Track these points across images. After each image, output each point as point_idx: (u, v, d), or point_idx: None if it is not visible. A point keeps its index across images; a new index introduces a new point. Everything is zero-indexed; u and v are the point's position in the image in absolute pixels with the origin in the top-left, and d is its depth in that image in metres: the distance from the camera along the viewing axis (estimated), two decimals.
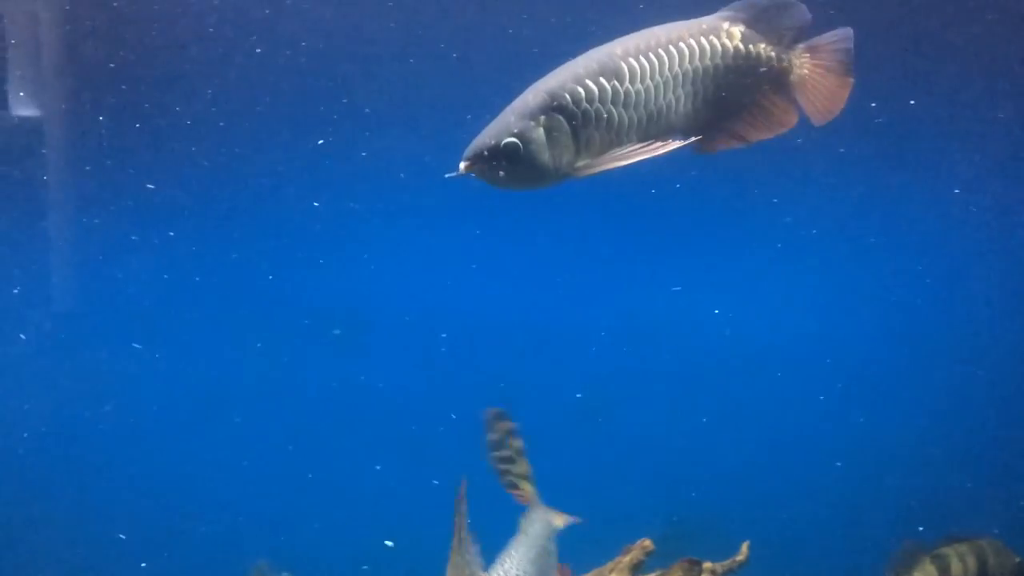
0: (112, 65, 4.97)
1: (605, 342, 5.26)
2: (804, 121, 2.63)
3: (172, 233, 5.19)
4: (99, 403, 5.21)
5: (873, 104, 4.85)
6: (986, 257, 5.43)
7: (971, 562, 4.57)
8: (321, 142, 5.10)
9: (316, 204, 5.12)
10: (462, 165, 2.38)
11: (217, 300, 5.32)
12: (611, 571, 3.83)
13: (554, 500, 4.34)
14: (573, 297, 5.18)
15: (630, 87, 2.43)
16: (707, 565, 3.93)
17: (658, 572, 3.68)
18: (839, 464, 5.14)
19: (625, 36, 2.53)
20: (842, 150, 5.11)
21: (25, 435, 5.06)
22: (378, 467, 5.17)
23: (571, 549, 3.90)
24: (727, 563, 4.01)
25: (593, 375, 5.13)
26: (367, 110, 5.09)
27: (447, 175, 2.39)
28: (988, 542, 4.64)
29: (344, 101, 5.07)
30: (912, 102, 5.09)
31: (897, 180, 5.31)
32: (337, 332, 5.22)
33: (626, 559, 3.87)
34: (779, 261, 5.26)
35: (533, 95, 2.42)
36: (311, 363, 5.28)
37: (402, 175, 5.08)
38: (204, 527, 5.10)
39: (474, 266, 5.20)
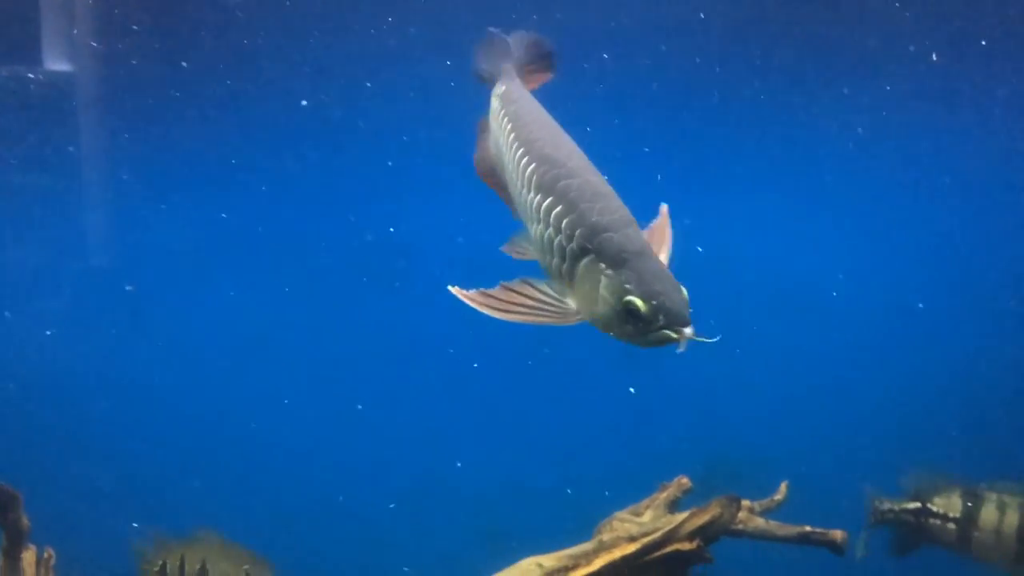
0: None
1: None
2: None
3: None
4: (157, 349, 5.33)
5: None
6: None
7: (1012, 516, 3.90)
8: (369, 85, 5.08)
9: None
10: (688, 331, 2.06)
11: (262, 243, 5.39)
12: (647, 507, 3.87)
13: (594, 439, 4.40)
14: None
15: None
16: (745, 503, 3.94)
17: (695, 508, 3.69)
18: (880, 404, 5.07)
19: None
20: None
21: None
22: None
23: (611, 487, 3.96)
24: (766, 502, 4.02)
25: None
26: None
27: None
28: None
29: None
30: None
31: None
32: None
33: (663, 496, 3.92)
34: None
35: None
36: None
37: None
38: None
39: None
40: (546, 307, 2.16)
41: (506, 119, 2.48)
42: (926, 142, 5.00)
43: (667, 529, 3.56)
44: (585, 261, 2.10)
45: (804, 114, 5.10)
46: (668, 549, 3.53)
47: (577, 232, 2.11)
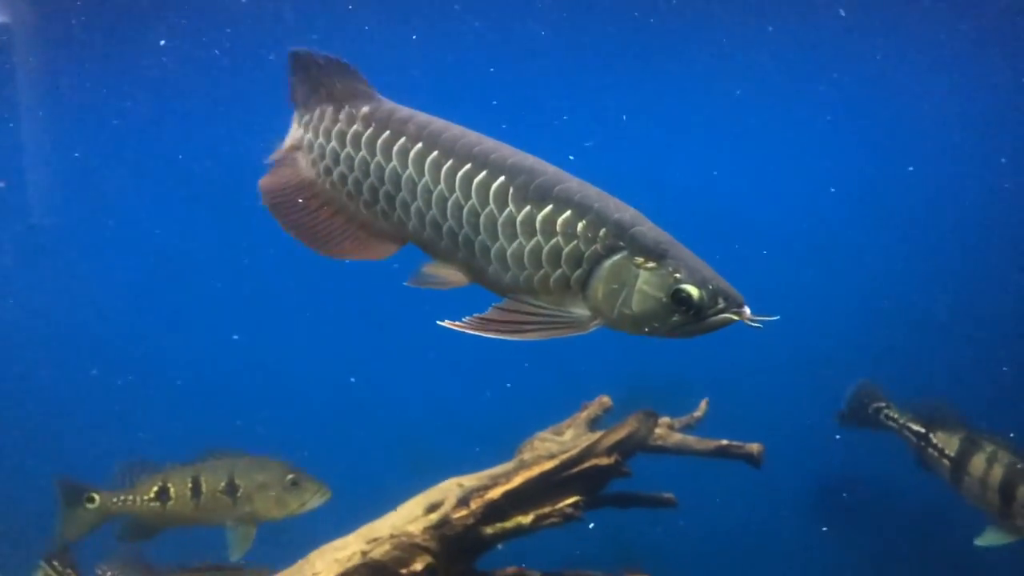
0: None
1: None
2: None
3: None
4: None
5: None
6: None
7: (998, 470, 3.95)
8: None
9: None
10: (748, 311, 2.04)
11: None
12: (568, 426, 3.88)
13: (519, 365, 4.40)
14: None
15: None
16: (665, 420, 3.99)
17: (615, 425, 3.73)
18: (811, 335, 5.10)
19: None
20: None
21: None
22: None
23: (535, 411, 3.96)
24: (685, 418, 4.06)
25: None
26: None
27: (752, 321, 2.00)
28: None
29: None
30: None
31: None
32: None
33: (583, 415, 3.95)
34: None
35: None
36: None
37: None
38: None
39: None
40: (556, 320, 2.08)
41: (400, 139, 2.20)
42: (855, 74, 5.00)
43: (585, 445, 3.60)
44: (613, 259, 2.04)
45: (727, 42, 5.05)
46: (586, 464, 3.58)
47: (602, 232, 2.04)
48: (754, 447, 3.87)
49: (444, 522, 3.46)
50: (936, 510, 4.35)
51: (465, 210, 2.12)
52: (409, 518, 3.52)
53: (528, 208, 2.08)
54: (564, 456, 3.55)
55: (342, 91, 2.32)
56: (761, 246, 4.90)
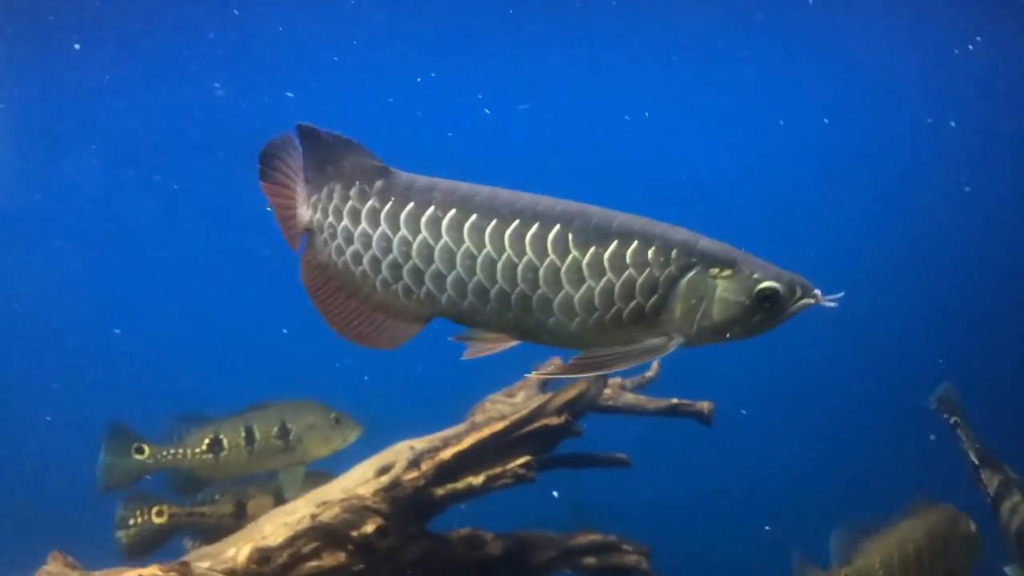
0: None
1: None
2: None
3: None
4: None
5: None
6: None
7: (1016, 520, 4.02)
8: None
9: None
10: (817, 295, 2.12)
11: None
12: (520, 389, 3.91)
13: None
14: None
15: None
16: (616, 380, 4.01)
17: (565, 386, 3.74)
18: None
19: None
20: None
21: None
22: None
23: (487, 376, 3.96)
24: (636, 379, 4.08)
25: None
26: None
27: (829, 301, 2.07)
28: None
29: None
30: None
31: None
32: None
33: (535, 376, 3.93)
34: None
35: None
36: None
37: None
38: None
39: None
40: (632, 352, 2.11)
41: (428, 209, 2.12)
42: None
43: (535, 406, 3.61)
44: (690, 276, 2.09)
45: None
46: (536, 425, 3.59)
47: (673, 254, 2.08)
48: (704, 405, 3.91)
49: (395, 484, 3.46)
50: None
51: (520, 268, 2.09)
52: (360, 481, 3.52)
53: (593, 249, 2.08)
54: (514, 417, 3.56)
55: (351, 168, 2.23)
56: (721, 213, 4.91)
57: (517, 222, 2.09)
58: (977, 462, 4.15)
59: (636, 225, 2.11)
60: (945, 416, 4.18)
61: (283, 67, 4.66)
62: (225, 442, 4.08)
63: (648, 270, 2.09)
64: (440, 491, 3.49)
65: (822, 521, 4.80)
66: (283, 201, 2.32)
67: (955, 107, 4.66)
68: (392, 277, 2.17)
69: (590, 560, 4.13)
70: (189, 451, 4.07)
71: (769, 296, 2.08)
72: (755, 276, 2.09)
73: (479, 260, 2.10)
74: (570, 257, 2.09)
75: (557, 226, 2.09)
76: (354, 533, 3.38)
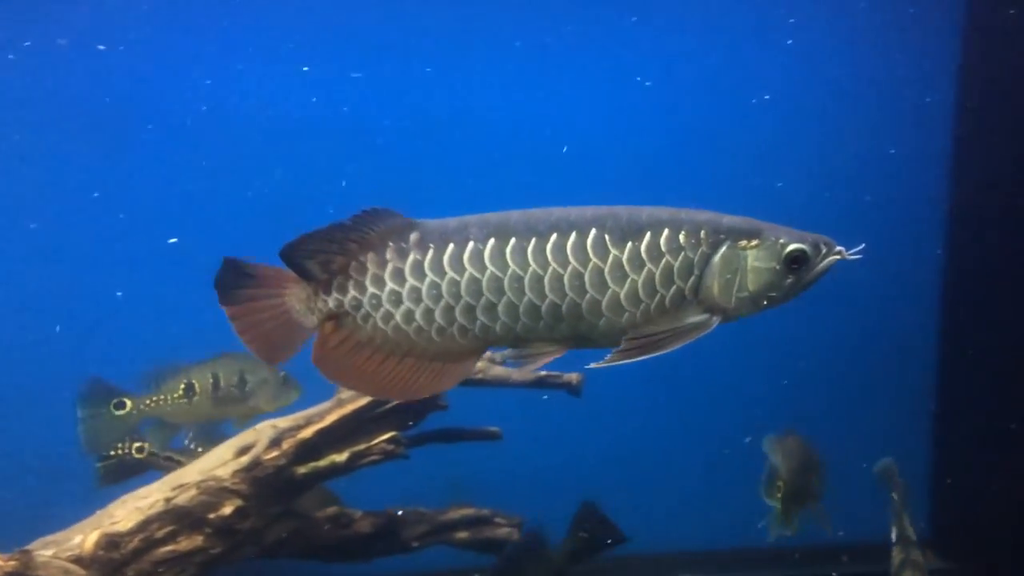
0: None
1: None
2: None
3: None
4: None
5: None
6: None
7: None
8: None
9: None
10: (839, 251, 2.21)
11: None
12: None
13: None
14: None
15: None
16: (486, 354, 4.02)
17: None
18: None
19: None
20: None
21: None
22: None
23: None
24: (507, 353, 4.12)
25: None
26: None
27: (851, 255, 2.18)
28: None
29: None
30: None
31: None
32: None
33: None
34: None
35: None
36: None
37: None
38: None
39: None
40: (680, 331, 2.18)
41: (468, 246, 2.15)
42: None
43: None
44: (721, 252, 2.17)
45: None
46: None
47: (702, 234, 2.17)
48: (573, 377, 3.94)
49: (255, 464, 3.38)
50: None
51: (566, 277, 2.14)
52: (218, 462, 3.43)
53: (630, 245, 2.15)
54: None
55: (379, 234, 2.20)
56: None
57: (555, 235, 2.15)
58: (893, 539, 4.25)
59: (664, 215, 2.20)
60: (887, 490, 4.27)
61: None
62: (197, 387, 4.10)
63: (683, 253, 2.17)
64: (302, 470, 3.44)
65: (693, 488, 4.95)
66: (268, 314, 2.25)
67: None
68: (447, 322, 2.18)
69: (462, 534, 4.15)
70: (168, 396, 4.08)
71: (797, 257, 2.18)
72: (781, 241, 2.18)
73: (526, 280, 2.15)
74: (611, 256, 2.16)
75: (593, 230, 2.16)
76: (211, 515, 3.30)
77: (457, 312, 2.16)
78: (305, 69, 4.55)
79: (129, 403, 4.03)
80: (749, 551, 4.98)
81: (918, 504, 5.04)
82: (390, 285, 2.18)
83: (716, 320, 2.20)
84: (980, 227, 4.65)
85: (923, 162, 4.77)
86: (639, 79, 4.68)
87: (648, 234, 2.17)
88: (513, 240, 2.14)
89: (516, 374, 3.97)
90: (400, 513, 4.00)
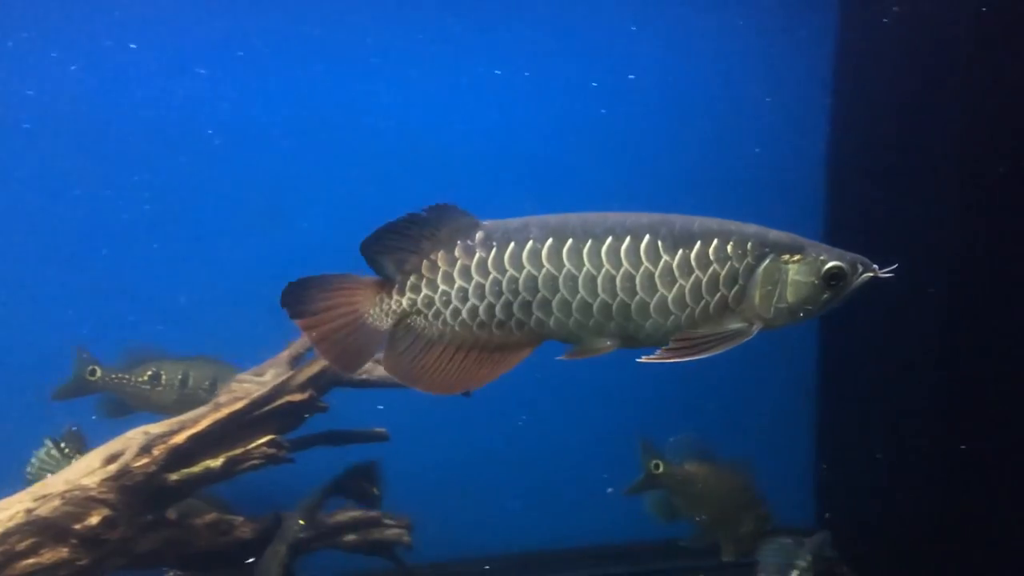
0: None
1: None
2: None
3: None
4: None
5: None
6: None
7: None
8: None
9: None
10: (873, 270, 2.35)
11: None
12: (270, 367, 3.79)
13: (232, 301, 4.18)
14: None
15: None
16: None
17: (309, 361, 3.66)
18: None
19: None
20: None
21: None
22: None
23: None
24: None
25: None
26: None
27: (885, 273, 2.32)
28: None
29: None
30: None
31: None
32: None
33: (285, 353, 3.87)
34: None
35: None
36: None
37: None
38: None
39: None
40: (722, 337, 2.28)
41: (527, 245, 2.26)
42: None
43: (277, 383, 3.51)
44: (765, 264, 2.29)
45: None
46: (279, 402, 3.50)
47: (748, 246, 2.28)
48: None
49: (124, 472, 3.26)
50: None
51: (619, 278, 2.25)
52: (85, 471, 3.30)
53: (681, 252, 2.26)
54: (255, 395, 3.45)
55: (447, 233, 2.28)
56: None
57: (611, 239, 2.26)
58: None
59: (714, 225, 2.32)
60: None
61: None
62: (163, 378, 4.34)
63: (729, 263, 2.29)
64: (175, 477, 3.33)
65: (591, 482, 4.99)
66: (342, 321, 2.31)
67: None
68: (505, 316, 2.29)
69: (350, 537, 4.10)
70: (133, 378, 4.35)
71: (836, 274, 2.30)
72: (822, 258, 2.31)
73: (580, 279, 2.26)
74: (662, 262, 2.27)
75: (647, 236, 2.27)
76: (77, 526, 3.16)
77: (515, 307, 2.27)
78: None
79: (99, 371, 4.33)
80: (637, 545, 5.07)
81: (802, 494, 5.24)
82: (459, 282, 2.27)
83: (756, 328, 2.33)
84: (859, 222, 4.81)
85: (800, 161, 4.90)
86: (527, 74, 4.68)
87: (699, 243, 2.29)
88: (570, 241, 2.26)
89: None
90: (283, 517, 3.93)
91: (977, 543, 4.06)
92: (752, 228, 2.36)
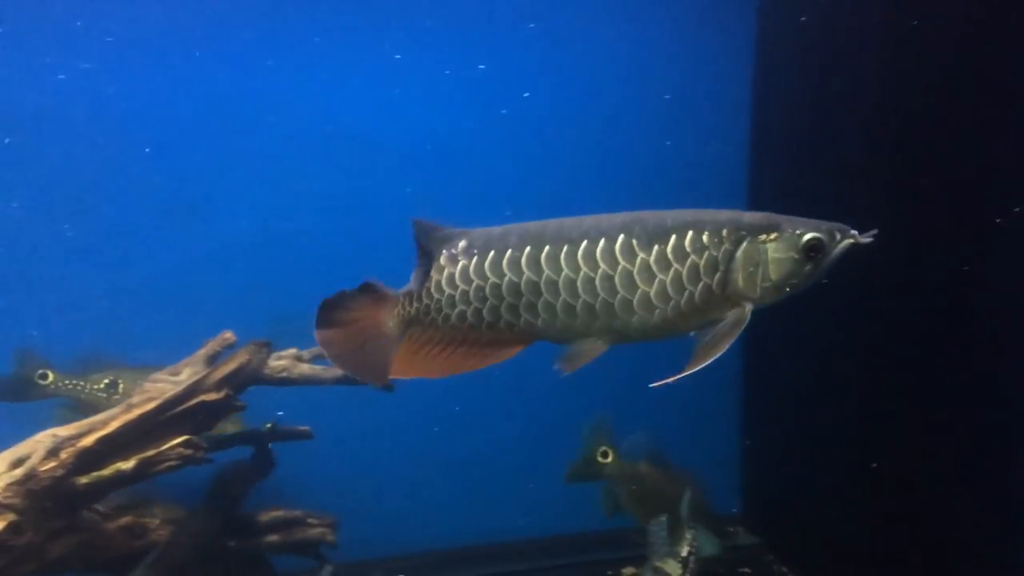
0: None
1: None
2: None
3: None
4: None
5: None
6: None
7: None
8: None
9: None
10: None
11: None
12: (186, 366, 3.70)
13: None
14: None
15: None
16: (292, 351, 3.91)
17: (225, 359, 3.60)
18: None
19: None
20: None
21: None
22: None
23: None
24: (315, 349, 4.01)
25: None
26: None
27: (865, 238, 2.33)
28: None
29: None
30: None
31: None
32: None
33: (202, 352, 3.78)
34: None
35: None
36: None
37: None
38: None
39: None
40: (722, 330, 2.32)
41: (506, 253, 2.36)
42: None
43: (191, 382, 3.44)
44: (743, 247, 2.32)
45: None
46: (194, 401, 3.43)
47: (724, 232, 2.32)
48: None
49: (30, 476, 3.17)
50: None
51: (597, 280, 2.31)
52: None
53: (657, 247, 2.31)
54: (168, 395, 3.37)
55: (434, 244, 2.42)
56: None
57: (586, 242, 2.32)
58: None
59: (688, 217, 2.36)
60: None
61: None
62: (120, 387, 4.25)
63: (707, 252, 2.32)
64: (84, 480, 3.24)
65: (527, 475, 5.00)
66: (361, 336, 2.45)
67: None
68: (494, 318, 2.38)
69: (273, 538, 4.05)
70: (89, 386, 4.25)
71: (815, 246, 2.33)
72: (799, 232, 2.34)
73: (560, 283, 2.33)
74: (639, 259, 2.32)
75: (621, 236, 2.32)
76: None
77: (502, 310, 2.38)
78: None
79: (51, 376, 4.21)
80: (577, 536, 5.09)
81: (730, 481, 5.31)
82: (447, 291, 2.40)
83: (748, 310, 2.37)
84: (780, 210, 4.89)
85: (720, 161, 4.95)
86: (447, 72, 4.65)
87: (673, 237, 2.34)
88: (548, 248, 2.34)
89: (324, 372, 3.89)
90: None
91: (891, 520, 4.18)
92: (725, 214, 2.40)
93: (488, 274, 2.37)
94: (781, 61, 4.82)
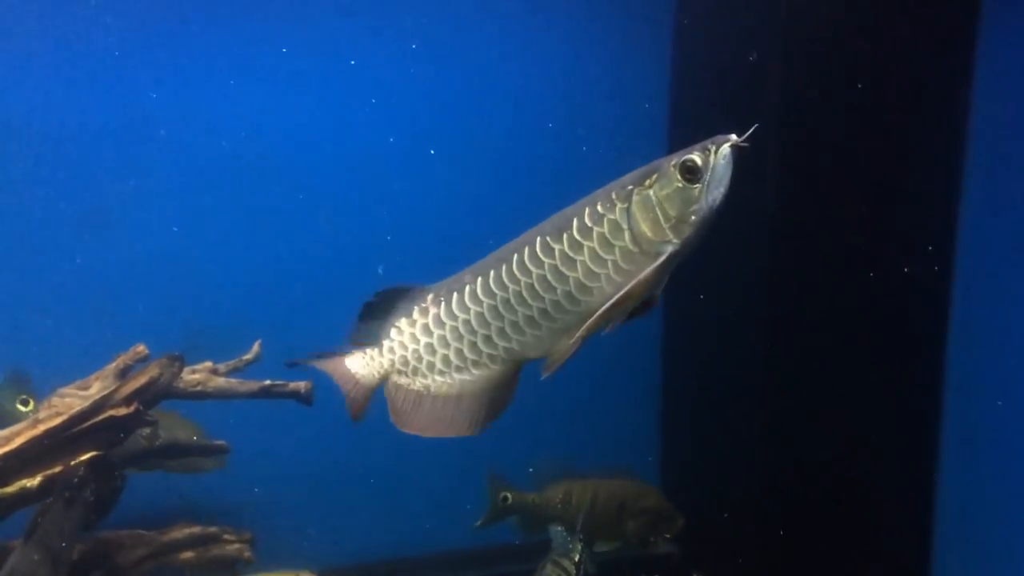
0: None
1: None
2: None
3: None
4: None
5: None
6: None
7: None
8: None
9: None
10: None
11: None
12: (96, 380, 3.64)
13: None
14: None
15: None
16: (207, 364, 3.87)
17: (135, 373, 3.54)
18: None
19: None
20: None
21: None
22: None
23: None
24: (233, 362, 3.95)
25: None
26: None
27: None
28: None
29: None
30: None
31: None
32: None
33: (113, 366, 3.71)
34: None
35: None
36: None
37: None
38: None
39: None
40: (650, 275, 2.34)
41: (466, 290, 2.49)
42: None
43: (99, 396, 3.37)
44: (635, 199, 2.36)
45: None
46: (102, 416, 3.35)
47: (613, 195, 2.37)
48: (301, 385, 3.86)
49: None
50: None
51: (535, 284, 2.41)
52: None
53: (566, 236, 2.40)
54: (75, 411, 3.30)
55: (400, 303, 2.53)
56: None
57: (516, 256, 2.42)
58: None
59: (582, 202, 2.43)
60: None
61: None
62: (31, 404, 4.09)
63: (605, 218, 2.39)
64: None
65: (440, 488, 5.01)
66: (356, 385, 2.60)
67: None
68: (475, 355, 2.49)
69: (188, 554, 3.98)
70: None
71: (690, 167, 2.32)
72: (672, 163, 2.35)
73: (511, 299, 2.43)
74: (556, 251, 2.41)
75: (537, 239, 2.43)
76: None
77: (479, 344, 2.48)
78: None
79: (32, 403, 4.07)
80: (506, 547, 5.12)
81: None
82: (423, 339, 2.50)
83: (668, 250, 2.38)
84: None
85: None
86: (352, 62, 4.65)
87: (575, 220, 2.41)
88: (492, 273, 2.45)
89: (240, 385, 3.85)
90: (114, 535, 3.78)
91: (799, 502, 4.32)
92: (611, 183, 2.45)
93: (457, 313, 2.48)
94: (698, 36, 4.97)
